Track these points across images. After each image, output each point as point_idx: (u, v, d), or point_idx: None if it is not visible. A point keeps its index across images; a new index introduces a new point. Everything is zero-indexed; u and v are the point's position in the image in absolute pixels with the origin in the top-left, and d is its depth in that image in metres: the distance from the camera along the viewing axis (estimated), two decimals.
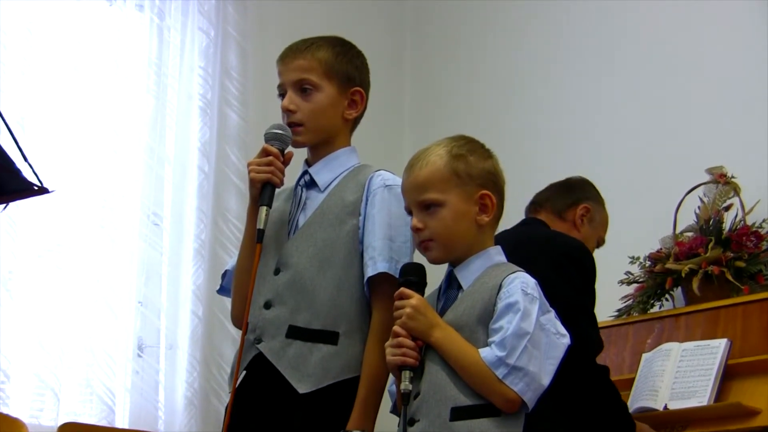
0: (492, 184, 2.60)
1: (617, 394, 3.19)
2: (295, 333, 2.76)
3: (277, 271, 2.82)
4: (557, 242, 3.15)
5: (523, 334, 2.42)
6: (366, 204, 2.83)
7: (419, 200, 2.58)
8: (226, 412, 2.79)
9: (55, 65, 4.23)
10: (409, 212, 2.63)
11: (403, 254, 2.75)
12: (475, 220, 2.58)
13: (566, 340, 2.52)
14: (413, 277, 2.57)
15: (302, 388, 2.72)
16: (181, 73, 4.58)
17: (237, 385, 2.79)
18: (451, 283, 2.60)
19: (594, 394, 3.08)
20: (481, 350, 2.44)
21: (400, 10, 5.64)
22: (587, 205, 3.57)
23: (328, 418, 2.70)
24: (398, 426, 2.51)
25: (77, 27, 4.32)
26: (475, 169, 2.58)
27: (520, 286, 2.48)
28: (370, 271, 2.76)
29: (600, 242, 3.66)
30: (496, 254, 2.61)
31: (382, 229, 2.78)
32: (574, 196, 3.60)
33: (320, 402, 2.72)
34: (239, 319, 2.88)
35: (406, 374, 2.49)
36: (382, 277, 2.74)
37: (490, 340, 2.45)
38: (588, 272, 3.16)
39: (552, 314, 2.52)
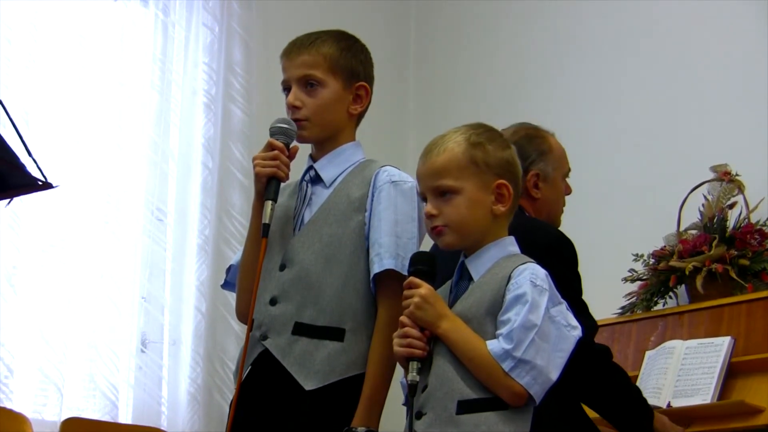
0: (509, 174, 2.57)
1: (625, 376, 3.15)
2: (301, 330, 2.75)
3: (282, 267, 2.82)
4: (535, 236, 3.10)
5: (530, 327, 2.40)
6: (372, 200, 2.82)
7: (434, 186, 2.55)
8: (230, 408, 2.79)
9: (60, 60, 4.23)
10: (423, 198, 2.60)
11: (410, 251, 2.73)
12: (490, 209, 2.54)
13: (577, 333, 2.48)
14: (423, 266, 2.54)
15: (308, 385, 2.72)
16: (185, 68, 4.59)
17: (242, 381, 2.79)
18: (463, 275, 2.57)
19: (598, 377, 3.05)
20: (488, 342, 2.42)
21: (405, 5, 5.64)
22: (535, 171, 3.35)
23: (333, 415, 2.69)
24: (406, 418, 2.49)
25: (82, 22, 4.32)
26: (493, 158, 2.56)
27: (529, 278, 2.45)
28: (376, 268, 2.75)
29: (566, 175, 3.47)
30: (510, 245, 2.58)
31: (388, 226, 2.78)
32: None
33: (326, 398, 2.71)
34: (244, 314, 2.88)
35: (414, 365, 2.46)
36: (388, 274, 2.73)
37: (498, 332, 2.43)
38: (570, 261, 3.12)
39: (563, 306, 2.49)
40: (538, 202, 3.33)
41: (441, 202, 2.55)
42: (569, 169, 3.45)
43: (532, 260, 2.53)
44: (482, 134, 2.59)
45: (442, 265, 2.60)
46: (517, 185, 2.60)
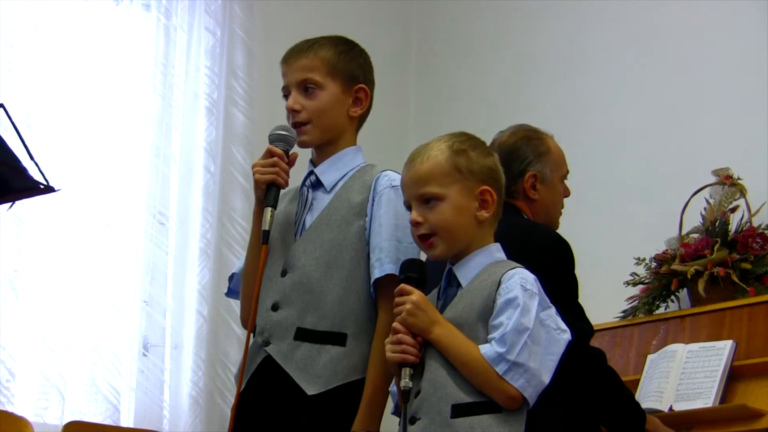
0: (492, 180, 2.60)
1: (619, 380, 3.15)
2: (303, 335, 2.76)
3: (284, 273, 2.82)
4: (532, 239, 3.09)
5: (523, 330, 2.42)
6: (372, 205, 2.83)
7: (419, 193, 2.57)
8: (232, 413, 2.79)
9: (62, 64, 4.24)
10: (408, 207, 2.62)
11: (410, 255, 2.73)
12: (474, 215, 2.57)
13: (567, 336, 2.51)
14: (413, 273, 2.56)
15: (311, 390, 2.72)
16: (187, 72, 4.59)
17: (243, 386, 2.79)
18: (451, 281, 2.59)
19: (593, 381, 3.05)
20: (481, 346, 2.44)
21: (406, 9, 5.64)
22: (532, 172, 3.30)
23: (335, 419, 2.70)
24: (399, 425, 2.50)
25: (84, 26, 4.33)
26: (476, 165, 2.58)
27: (519, 282, 2.47)
28: (377, 273, 2.76)
29: (564, 178, 3.43)
30: (496, 251, 2.61)
31: (388, 230, 2.78)
32: (514, 169, 3.27)
33: (327, 403, 2.72)
34: (248, 321, 2.88)
35: (407, 371, 2.48)
36: (389, 279, 2.74)
37: (490, 336, 2.45)
38: (567, 263, 3.11)
39: (552, 310, 2.51)
40: (536, 203, 3.31)
41: (426, 209, 2.57)
42: (568, 172, 3.44)
43: (521, 265, 2.55)
44: (465, 142, 2.62)
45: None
46: (500, 192, 2.62)
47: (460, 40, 5.50)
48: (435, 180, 2.57)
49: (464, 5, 5.50)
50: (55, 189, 2.55)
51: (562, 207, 3.43)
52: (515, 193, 3.27)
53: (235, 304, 4.27)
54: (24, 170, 2.49)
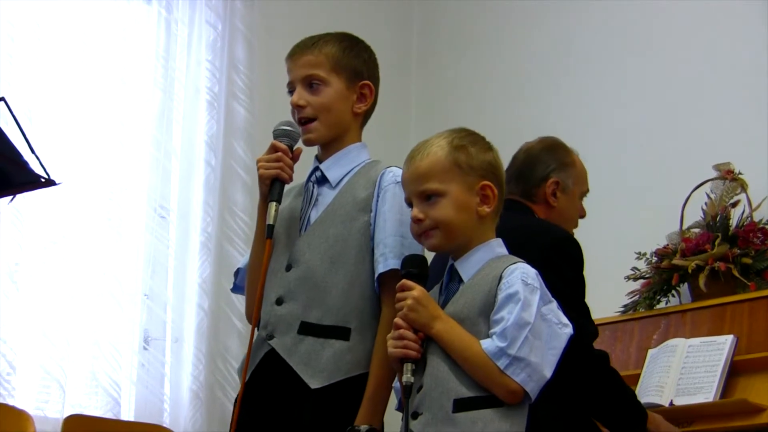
0: (493, 175, 2.61)
1: (621, 380, 3.16)
2: (307, 329, 2.76)
3: (288, 268, 2.82)
4: (543, 235, 3.10)
5: (523, 325, 2.43)
6: (377, 200, 2.83)
7: (420, 190, 2.58)
8: (234, 407, 2.79)
9: (63, 58, 4.24)
10: (409, 204, 2.63)
11: (414, 251, 2.73)
12: (476, 211, 2.58)
13: (568, 330, 2.52)
14: (415, 269, 2.57)
15: (314, 384, 2.72)
16: (188, 66, 4.59)
17: (246, 380, 2.79)
18: (453, 277, 2.60)
19: (596, 382, 3.06)
20: (482, 341, 2.45)
21: (407, 7, 5.64)
22: (555, 179, 3.35)
23: (337, 414, 2.70)
24: (402, 420, 2.51)
25: (85, 20, 4.33)
26: (476, 161, 2.59)
27: (521, 277, 2.48)
28: (380, 268, 2.76)
29: (583, 195, 3.50)
30: (498, 246, 2.61)
31: (393, 226, 2.78)
32: (537, 173, 3.35)
33: (330, 397, 2.72)
34: (253, 315, 2.88)
35: (408, 367, 2.49)
36: (392, 274, 2.73)
37: (492, 331, 2.45)
38: (576, 262, 3.12)
39: (554, 304, 2.52)
40: (554, 211, 3.34)
41: (426, 206, 2.58)
42: (588, 190, 3.48)
43: (522, 260, 2.55)
44: (465, 137, 2.63)
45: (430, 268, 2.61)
46: (501, 187, 2.63)
47: (461, 39, 5.50)
48: (435, 176, 2.57)
49: (465, 4, 5.50)
50: (56, 182, 2.55)
51: (576, 225, 3.44)
52: (535, 197, 3.32)
53: (236, 298, 4.29)
54: (25, 164, 2.49)
